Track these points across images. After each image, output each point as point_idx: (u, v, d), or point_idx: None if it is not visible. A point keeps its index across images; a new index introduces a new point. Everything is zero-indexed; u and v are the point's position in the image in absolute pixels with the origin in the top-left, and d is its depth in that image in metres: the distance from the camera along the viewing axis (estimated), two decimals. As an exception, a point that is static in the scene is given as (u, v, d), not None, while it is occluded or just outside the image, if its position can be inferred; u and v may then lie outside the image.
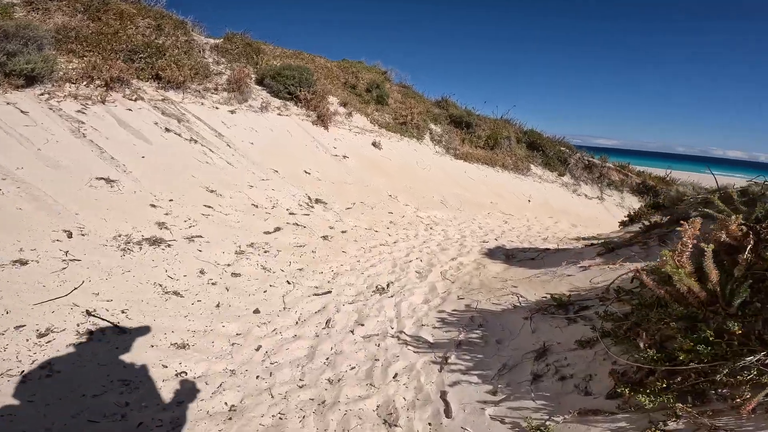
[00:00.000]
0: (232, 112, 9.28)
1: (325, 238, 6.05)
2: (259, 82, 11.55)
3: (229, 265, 4.64)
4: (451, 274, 5.39)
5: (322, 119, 11.11)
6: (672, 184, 14.71)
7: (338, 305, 4.37)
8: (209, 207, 5.55)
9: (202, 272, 4.33)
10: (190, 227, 4.99)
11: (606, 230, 12.84)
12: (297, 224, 6.14)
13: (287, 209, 6.50)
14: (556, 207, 12.67)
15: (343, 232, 6.46)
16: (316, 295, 4.54)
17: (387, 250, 6.19)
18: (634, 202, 14.46)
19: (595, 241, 6.67)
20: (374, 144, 11.22)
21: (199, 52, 11.11)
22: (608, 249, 4.75)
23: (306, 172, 8.17)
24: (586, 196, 14.05)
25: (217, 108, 9.06)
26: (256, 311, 4.00)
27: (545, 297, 3.96)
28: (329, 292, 4.67)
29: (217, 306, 3.91)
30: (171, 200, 5.35)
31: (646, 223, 5.47)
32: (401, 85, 15.63)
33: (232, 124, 8.50)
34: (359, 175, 9.18)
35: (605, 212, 13.54)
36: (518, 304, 3.98)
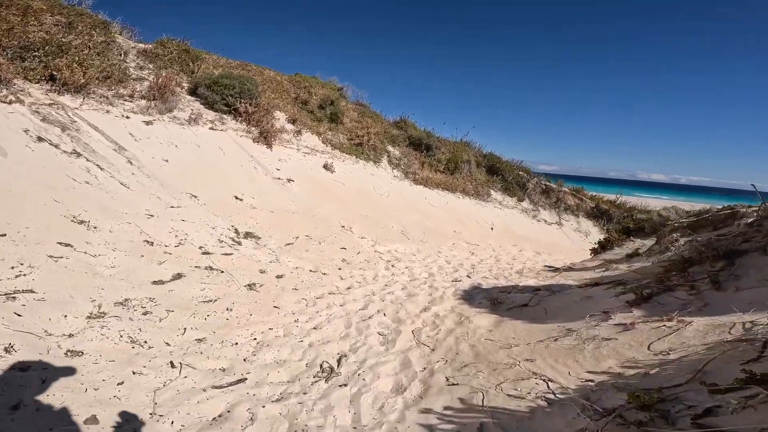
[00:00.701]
0: (148, 123, 7.28)
1: (251, 287, 4.22)
2: (192, 91, 9.62)
3: (69, 336, 2.71)
4: (428, 335, 3.76)
5: (266, 136, 9.34)
6: (622, 207, 14.30)
7: (254, 408, 2.58)
8: (67, 245, 3.57)
9: (8, 349, 2.39)
10: (17, 277, 3.01)
11: (569, 256, 11.95)
12: (211, 268, 4.27)
13: (200, 247, 4.61)
14: (518, 234, 11.59)
15: (278, 277, 4.67)
16: (217, 387, 2.71)
17: (338, 300, 4.47)
18: (590, 227, 13.82)
19: (589, 276, 5.41)
20: (326, 166, 9.57)
21: (120, 55, 9.07)
22: (641, 295, 3.37)
23: (237, 198, 6.31)
24: (545, 221, 13.18)
25: (127, 117, 7.03)
26: (91, 421, 2.12)
27: (590, 382, 2.43)
28: (242, 380, 2.86)
29: (14, 408, 2.01)
30: (2, 235, 3.33)
31: (670, 256, 4.20)
32: (358, 103, 14.26)
33: (143, 137, 6.51)
34: (306, 202, 7.45)
35: (565, 238, 12.69)
36: (553, 397, 2.41)
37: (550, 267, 8.38)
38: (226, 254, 4.64)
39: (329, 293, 4.61)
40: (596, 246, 8.42)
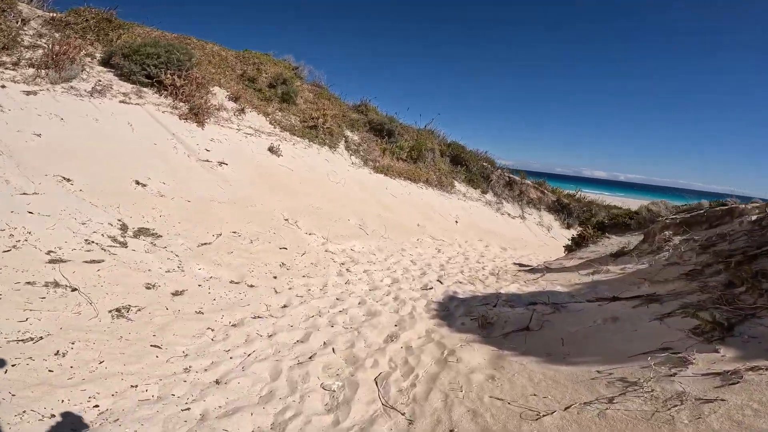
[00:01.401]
0: (29, 93, 5.29)
1: (119, 313, 2.60)
2: (106, 61, 7.56)
3: None
4: (400, 388, 2.38)
5: (197, 113, 7.48)
6: (581, 201, 13.77)
7: None
8: None
9: None
10: None
11: (534, 251, 11.13)
12: (56, 284, 2.61)
13: (49, 252, 2.90)
14: (483, 228, 10.54)
15: (176, 294, 3.08)
16: None
17: (266, 328, 2.97)
18: (551, 221, 13.14)
19: (576, 279, 4.30)
20: (272, 149, 7.89)
21: (17, 22, 6.94)
22: (714, 323, 2.17)
23: (139, 184, 4.55)
24: (509, 215, 12.29)
25: (2, 87, 5.04)
26: None
27: None
28: None
29: None
30: None
31: (669, 257, 3.10)
32: (314, 84, 12.53)
33: (14, 108, 4.57)
34: (241, 189, 5.79)
35: (528, 232, 11.87)
36: None
37: (523, 266, 7.34)
38: (92, 261, 2.97)
39: (253, 317, 3.10)
40: (570, 243, 7.47)
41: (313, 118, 10.07)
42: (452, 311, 3.73)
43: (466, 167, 12.18)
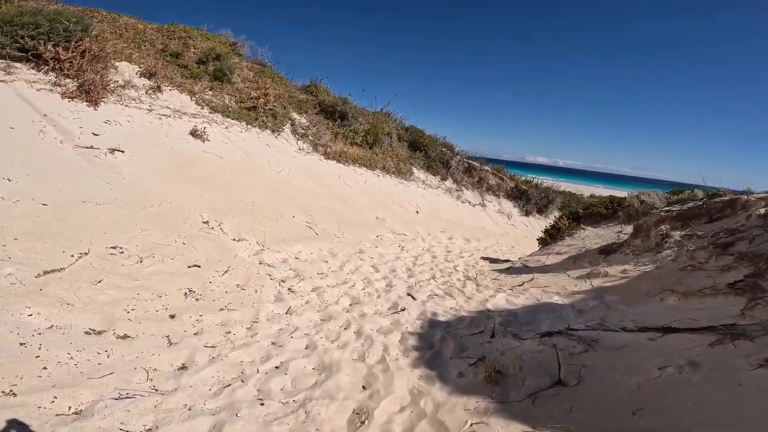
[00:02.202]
0: None
1: None
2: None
3: None
4: None
5: (89, 91, 5.60)
6: (539, 187, 13.34)
7: None
8: None
9: None
10: None
11: (497, 241, 10.38)
12: None
13: None
14: (444, 218, 9.59)
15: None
16: None
17: (136, 420, 1.63)
18: (510, 208, 12.55)
19: (571, 286, 3.35)
20: (194, 133, 6.22)
21: None
22: None
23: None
24: (469, 203, 11.47)
25: None
26: None
27: None
28: None
29: None
30: None
31: (675, 256, 2.18)
32: (256, 62, 10.69)
33: None
34: (140, 184, 4.18)
35: (489, 220, 11.13)
36: None
37: (495, 262, 6.39)
38: None
39: (117, 397, 1.73)
40: (544, 236, 6.63)
41: (252, 98, 8.40)
42: (439, 348, 2.59)
43: (424, 153, 11.11)
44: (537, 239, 6.66)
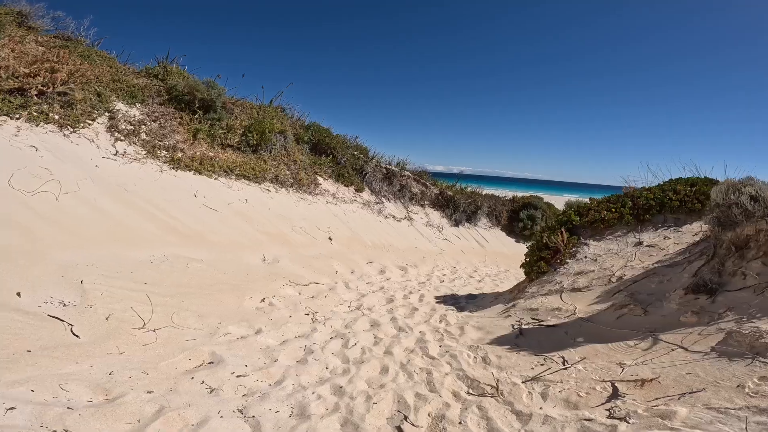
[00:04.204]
0: None
1: None
2: None
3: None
4: None
5: None
6: (464, 192, 11.72)
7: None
8: None
9: None
10: None
11: (436, 262, 8.08)
12: None
13: None
14: (369, 242, 7.10)
15: None
16: None
17: None
18: (438, 218, 10.63)
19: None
20: None
21: None
22: None
23: None
24: (394, 217, 9.16)
25: None
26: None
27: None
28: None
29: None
30: None
31: None
32: (57, 36, 6.88)
33: None
34: None
35: (421, 238, 8.97)
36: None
37: (470, 311, 3.97)
38: None
39: None
40: (535, 260, 4.13)
41: (18, 77, 4.80)
42: None
43: (332, 158, 8.48)
44: (522, 265, 4.45)
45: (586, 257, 3.77)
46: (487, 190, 15.61)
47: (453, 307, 4.15)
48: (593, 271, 3.51)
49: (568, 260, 3.78)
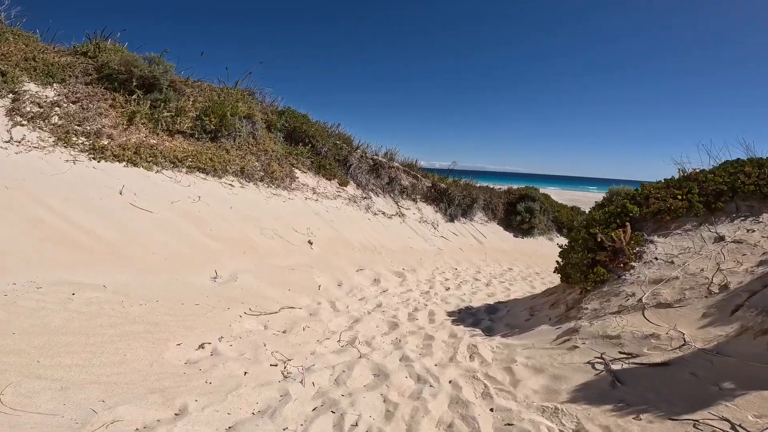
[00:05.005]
0: None
1: None
2: None
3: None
4: None
5: None
6: (458, 184, 10.68)
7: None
8: None
9: None
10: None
11: (436, 264, 6.92)
12: None
13: None
14: (357, 244, 5.97)
15: None
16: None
17: None
18: (432, 213, 9.58)
19: None
20: None
21: None
22: None
23: None
24: (384, 214, 8.04)
25: None
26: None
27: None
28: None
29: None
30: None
31: None
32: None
33: None
34: None
35: (415, 236, 7.89)
36: None
37: (492, 340, 2.79)
38: None
39: None
40: (578, 261, 2.88)
41: None
42: None
43: (312, 147, 7.28)
44: (559, 270, 3.39)
45: (656, 259, 2.75)
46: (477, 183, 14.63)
47: (477, 329, 3.07)
48: (676, 277, 2.49)
49: (633, 263, 2.74)
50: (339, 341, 2.62)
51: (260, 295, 2.93)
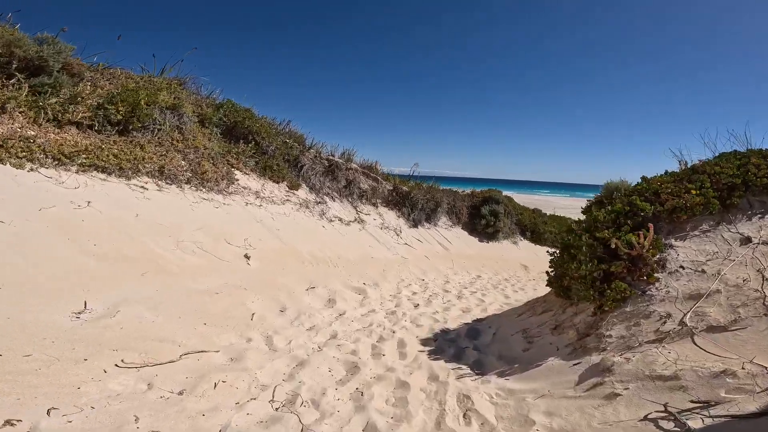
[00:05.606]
0: None
1: None
2: None
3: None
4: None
5: None
6: (421, 187, 10.08)
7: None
8: None
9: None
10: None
11: (401, 275, 6.00)
12: None
13: None
14: (308, 256, 5.08)
15: None
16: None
17: None
18: (394, 219, 8.86)
19: None
20: None
21: None
22: None
23: None
24: (341, 220, 7.18)
25: None
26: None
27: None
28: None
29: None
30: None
31: None
32: None
33: None
34: None
35: (377, 244, 7.11)
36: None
37: (486, 384, 2.01)
38: None
39: None
40: (590, 276, 2.00)
41: None
42: None
43: (255, 145, 6.29)
44: (552, 283, 2.75)
45: (682, 267, 2.19)
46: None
47: (462, 366, 2.34)
48: (718, 291, 1.92)
49: (657, 274, 2.14)
50: (272, 401, 1.77)
51: (151, 337, 1.99)
